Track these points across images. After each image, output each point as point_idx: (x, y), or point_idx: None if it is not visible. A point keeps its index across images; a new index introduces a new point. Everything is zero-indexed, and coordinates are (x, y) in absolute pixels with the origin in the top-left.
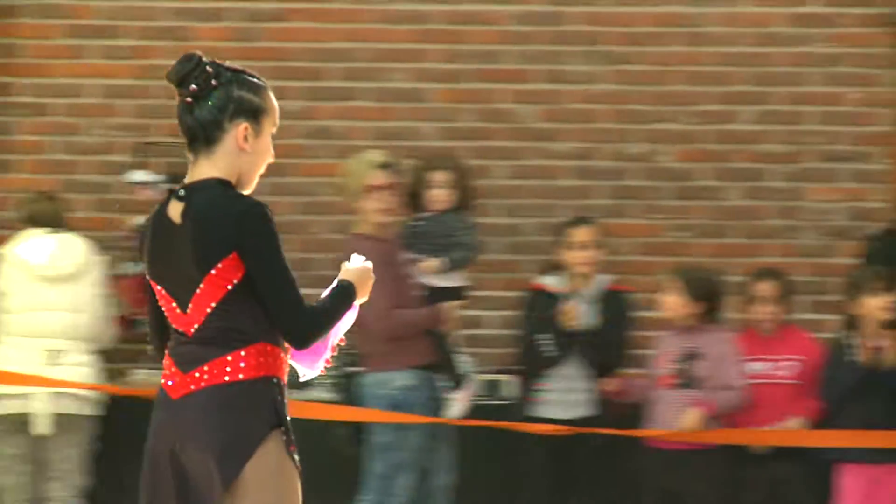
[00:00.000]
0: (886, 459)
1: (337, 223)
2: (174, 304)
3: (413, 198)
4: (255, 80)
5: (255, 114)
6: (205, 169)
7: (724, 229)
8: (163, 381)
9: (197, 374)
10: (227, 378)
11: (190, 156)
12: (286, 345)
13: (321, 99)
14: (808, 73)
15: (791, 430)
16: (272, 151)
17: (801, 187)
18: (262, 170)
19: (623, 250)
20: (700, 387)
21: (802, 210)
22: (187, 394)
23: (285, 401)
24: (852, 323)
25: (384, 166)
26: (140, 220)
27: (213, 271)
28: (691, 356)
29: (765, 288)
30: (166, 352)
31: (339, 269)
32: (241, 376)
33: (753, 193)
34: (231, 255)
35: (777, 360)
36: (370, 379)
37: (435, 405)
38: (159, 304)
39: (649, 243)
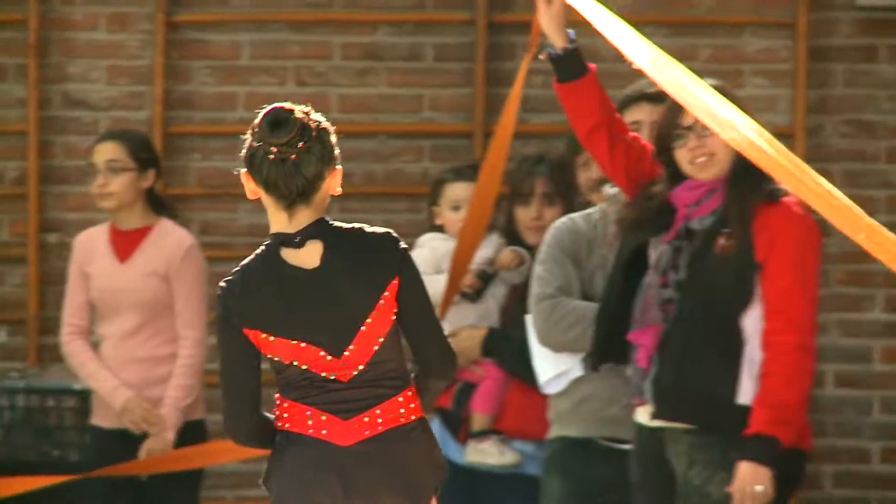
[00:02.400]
0: None
1: None
2: (322, 353)
3: None
4: (325, 121)
5: (337, 157)
6: (306, 217)
7: None
8: (309, 432)
9: (367, 419)
10: (402, 420)
11: (284, 210)
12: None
13: None
14: None
15: None
16: None
17: None
18: None
19: None
20: None
21: None
22: (363, 440)
23: None
24: None
25: None
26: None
27: (381, 301)
28: None
29: None
30: (298, 404)
31: None
32: (412, 417)
33: None
34: (394, 280)
35: None
36: None
37: None
38: (292, 361)
39: None
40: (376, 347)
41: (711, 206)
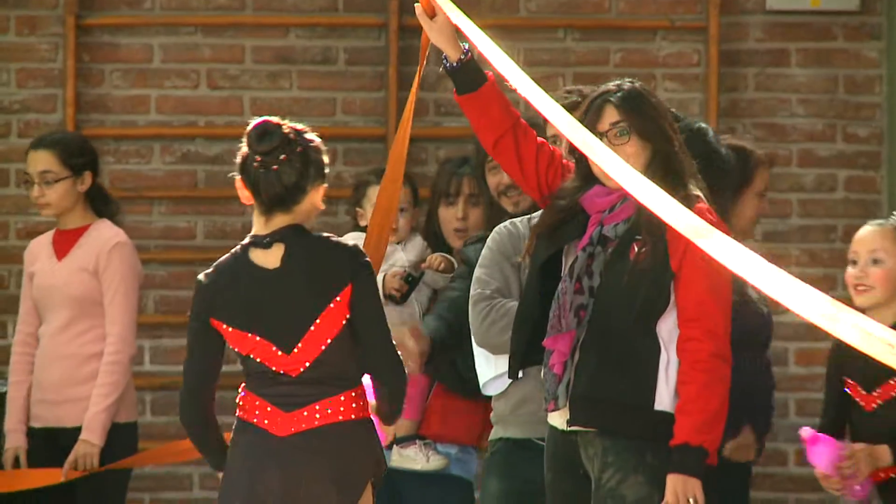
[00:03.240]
0: None
1: None
2: (274, 348)
3: None
4: (317, 139)
5: (325, 174)
6: (281, 223)
7: None
8: (253, 421)
9: (306, 413)
10: (340, 417)
11: (263, 214)
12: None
13: None
14: None
15: None
16: None
17: None
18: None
19: None
20: None
21: None
22: (300, 432)
23: None
24: None
25: None
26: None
27: (332, 304)
28: None
29: None
30: (251, 394)
31: None
32: (352, 416)
33: None
34: (347, 287)
35: None
36: None
37: None
38: (249, 353)
39: None
40: (324, 347)
41: (625, 213)
